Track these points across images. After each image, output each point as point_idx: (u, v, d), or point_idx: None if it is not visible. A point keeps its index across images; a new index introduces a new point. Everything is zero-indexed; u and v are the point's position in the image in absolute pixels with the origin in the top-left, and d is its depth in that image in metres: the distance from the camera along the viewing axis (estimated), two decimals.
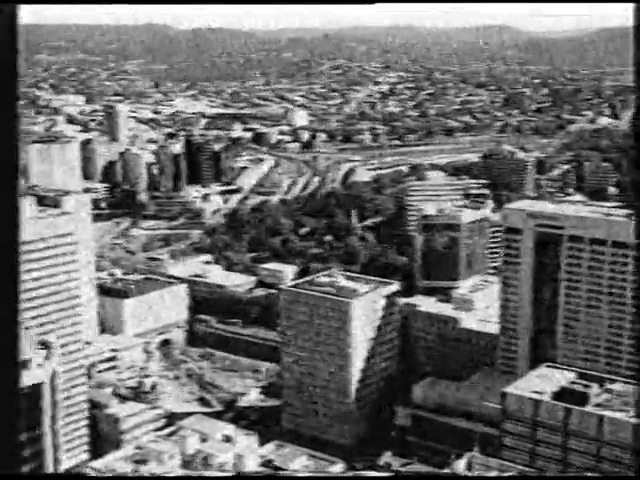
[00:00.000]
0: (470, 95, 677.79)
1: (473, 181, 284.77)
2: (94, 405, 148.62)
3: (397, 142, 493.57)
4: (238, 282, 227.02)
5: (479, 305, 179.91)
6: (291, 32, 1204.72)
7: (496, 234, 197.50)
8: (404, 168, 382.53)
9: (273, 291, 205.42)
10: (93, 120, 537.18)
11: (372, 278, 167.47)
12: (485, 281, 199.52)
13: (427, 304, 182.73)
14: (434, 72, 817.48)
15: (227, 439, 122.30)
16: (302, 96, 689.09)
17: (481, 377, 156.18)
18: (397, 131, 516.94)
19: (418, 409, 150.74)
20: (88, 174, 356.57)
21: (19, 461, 57.12)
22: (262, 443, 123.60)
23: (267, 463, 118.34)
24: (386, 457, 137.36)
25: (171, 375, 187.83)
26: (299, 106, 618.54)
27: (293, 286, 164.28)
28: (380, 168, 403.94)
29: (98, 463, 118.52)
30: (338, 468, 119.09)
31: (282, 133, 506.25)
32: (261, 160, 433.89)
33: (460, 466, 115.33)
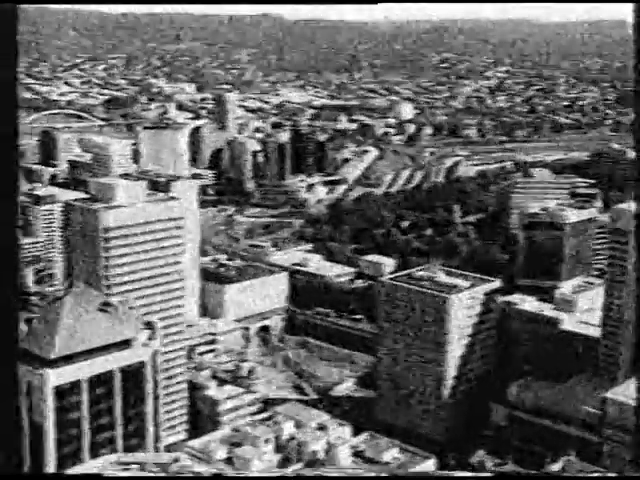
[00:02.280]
0: (582, 92, 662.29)
1: (581, 180, 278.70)
2: (193, 386, 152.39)
3: (504, 138, 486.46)
4: (338, 272, 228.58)
5: (581, 307, 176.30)
6: (399, 24, 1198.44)
7: (603, 235, 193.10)
8: (510, 164, 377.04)
9: (372, 283, 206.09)
10: (203, 108, 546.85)
11: (472, 274, 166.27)
12: (588, 283, 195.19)
13: (527, 303, 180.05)
14: (545, 67, 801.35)
15: (321, 427, 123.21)
16: (409, 89, 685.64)
17: (580, 381, 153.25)
18: (504, 127, 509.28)
19: (514, 409, 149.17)
20: (196, 160, 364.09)
21: (19, 461, 57.68)
22: (355, 433, 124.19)
23: (359, 454, 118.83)
24: (479, 455, 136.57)
25: (268, 361, 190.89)
26: (405, 99, 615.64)
27: (392, 279, 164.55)
28: (485, 164, 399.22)
29: (195, 443, 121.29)
30: (430, 463, 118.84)
31: (387, 126, 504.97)
32: (365, 152, 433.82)
33: (555, 470, 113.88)
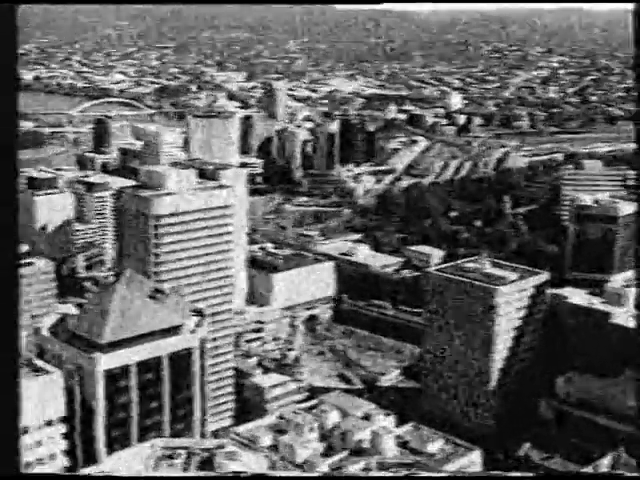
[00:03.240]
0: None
1: (633, 172, 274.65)
2: (239, 373, 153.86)
3: (555, 129, 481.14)
4: (385, 262, 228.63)
5: (632, 301, 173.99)
6: (450, 14, 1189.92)
7: None
8: (561, 156, 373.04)
9: (419, 273, 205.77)
10: (252, 97, 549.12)
11: (521, 266, 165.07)
12: None
13: (576, 296, 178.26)
14: (599, 57, 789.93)
15: (366, 417, 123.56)
16: (460, 79, 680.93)
17: (629, 376, 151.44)
18: (556, 117, 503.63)
19: (562, 403, 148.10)
20: (245, 149, 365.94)
21: (19, 461, 57.80)
22: (399, 424, 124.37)
23: (403, 444, 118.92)
24: (526, 449, 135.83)
25: (314, 350, 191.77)
26: (456, 89, 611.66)
27: (439, 270, 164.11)
28: (536, 155, 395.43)
29: (241, 429, 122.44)
30: (475, 455, 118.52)
31: (437, 116, 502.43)
32: (414, 142, 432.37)
33: (603, 465, 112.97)
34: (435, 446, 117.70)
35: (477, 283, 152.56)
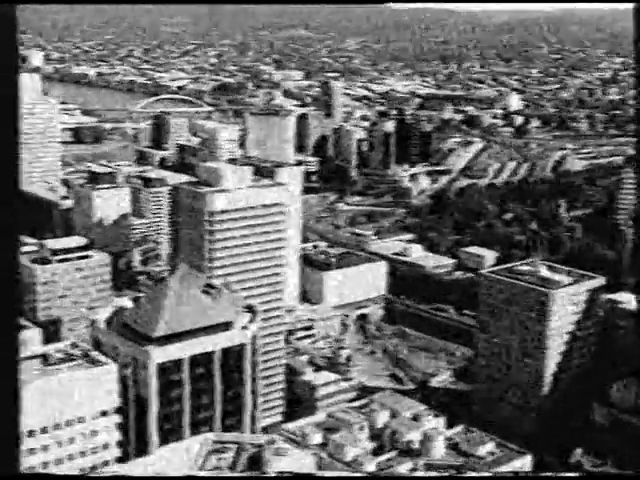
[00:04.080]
0: None
1: None
2: (290, 370, 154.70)
3: (615, 132, 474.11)
4: (438, 263, 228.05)
5: None
6: (509, 13, 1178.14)
7: None
8: (620, 159, 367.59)
9: (473, 275, 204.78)
10: (309, 95, 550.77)
11: (576, 270, 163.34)
12: None
13: (633, 302, 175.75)
14: None
15: (416, 418, 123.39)
16: (518, 80, 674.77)
17: None
18: (616, 120, 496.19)
19: (615, 409, 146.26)
20: (301, 147, 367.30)
21: (18, 461, 57.81)
22: (450, 426, 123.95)
23: (453, 446, 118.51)
24: (578, 455, 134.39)
25: (366, 349, 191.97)
26: (514, 90, 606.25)
27: (493, 272, 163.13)
28: (595, 157, 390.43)
29: (291, 426, 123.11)
30: (526, 460, 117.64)
31: (495, 117, 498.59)
32: (471, 143, 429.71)
33: None
34: (485, 449, 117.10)
35: (531, 286, 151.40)
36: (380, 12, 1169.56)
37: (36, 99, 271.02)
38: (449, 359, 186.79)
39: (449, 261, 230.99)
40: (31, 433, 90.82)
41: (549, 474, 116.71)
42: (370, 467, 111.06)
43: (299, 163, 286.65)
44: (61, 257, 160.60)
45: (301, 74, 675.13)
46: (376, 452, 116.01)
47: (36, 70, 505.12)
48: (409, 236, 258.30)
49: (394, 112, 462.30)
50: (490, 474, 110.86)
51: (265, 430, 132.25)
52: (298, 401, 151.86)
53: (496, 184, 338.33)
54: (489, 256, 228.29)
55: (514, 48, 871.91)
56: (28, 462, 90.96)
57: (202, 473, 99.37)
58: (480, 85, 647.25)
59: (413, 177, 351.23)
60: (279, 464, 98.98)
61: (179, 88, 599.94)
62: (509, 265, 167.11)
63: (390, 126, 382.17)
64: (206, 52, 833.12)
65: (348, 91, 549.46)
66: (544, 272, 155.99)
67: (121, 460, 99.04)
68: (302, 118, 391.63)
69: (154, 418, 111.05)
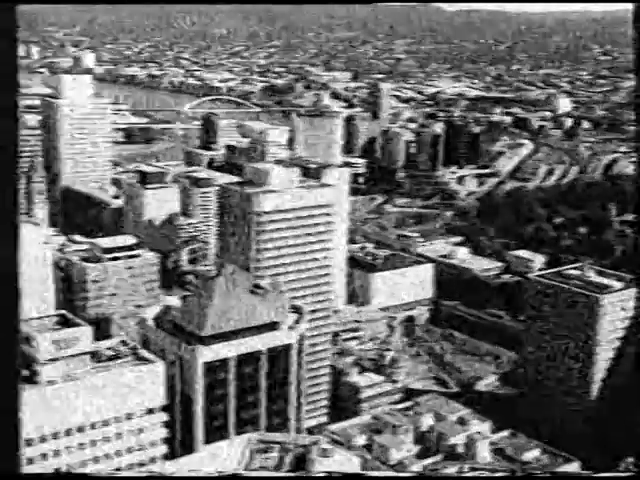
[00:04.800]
0: None
1: None
2: (336, 372, 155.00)
3: None
4: (486, 266, 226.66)
5: None
6: (558, 15, 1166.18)
7: None
8: None
9: (520, 279, 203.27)
10: (356, 97, 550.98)
11: (626, 275, 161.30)
12: None
13: None
14: None
15: (461, 421, 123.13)
16: (569, 82, 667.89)
17: None
18: None
19: None
20: (349, 149, 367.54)
21: (19, 461, 57.52)
22: (495, 430, 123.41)
23: (498, 451, 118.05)
24: (627, 463, 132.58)
25: (411, 352, 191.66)
26: (564, 92, 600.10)
27: (541, 276, 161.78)
28: None
29: (335, 427, 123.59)
30: (573, 466, 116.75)
31: (544, 119, 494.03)
32: (519, 145, 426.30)
33: None
34: (531, 455, 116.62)
35: (580, 291, 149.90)
36: (429, 13, 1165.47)
37: (88, 100, 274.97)
38: (495, 363, 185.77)
39: (496, 264, 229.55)
40: (80, 429, 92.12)
41: (550, 474, 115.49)
42: (416, 469, 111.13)
43: (346, 164, 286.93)
44: (111, 256, 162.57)
45: (349, 76, 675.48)
46: (420, 455, 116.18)
47: (88, 71, 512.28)
48: (456, 239, 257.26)
49: (442, 114, 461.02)
50: (490, 474, 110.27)
51: (310, 431, 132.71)
52: (343, 402, 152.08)
53: (545, 187, 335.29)
54: (537, 260, 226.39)
55: (564, 50, 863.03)
56: (78, 457, 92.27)
57: (246, 473, 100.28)
58: (529, 87, 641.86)
59: (461, 179, 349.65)
60: (324, 465, 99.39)
61: (228, 89, 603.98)
62: (558, 269, 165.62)
63: (438, 128, 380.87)
64: (255, 53, 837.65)
65: (396, 93, 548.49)
66: (593, 277, 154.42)
67: (167, 457, 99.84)
68: (350, 120, 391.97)
69: (200, 416, 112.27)
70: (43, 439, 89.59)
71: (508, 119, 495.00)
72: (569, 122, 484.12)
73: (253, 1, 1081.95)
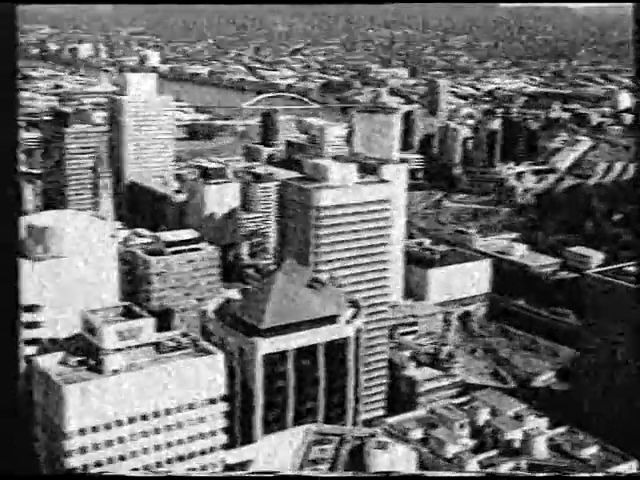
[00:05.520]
0: None
1: None
2: (392, 365, 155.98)
3: None
4: (543, 262, 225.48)
5: None
6: (614, 9, 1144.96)
7: None
8: None
9: (578, 275, 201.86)
10: (414, 93, 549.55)
11: None
12: None
13: None
14: None
15: (517, 417, 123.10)
16: (630, 77, 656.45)
17: None
18: None
19: None
20: (407, 145, 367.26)
21: (16, 461, 57.12)
22: (552, 426, 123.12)
23: (556, 447, 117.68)
24: None
25: (468, 347, 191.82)
26: (624, 88, 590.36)
27: (600, 272, 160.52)
28: None
29: (392, 420, 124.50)
30: (632, 464, 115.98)
31: (603, 115, 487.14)
32: (578, 141, 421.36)
33: None
34: (589, 452, 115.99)
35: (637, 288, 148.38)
36: (488, 9, 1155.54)
37: (152, 98, 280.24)
38: (553, 359, 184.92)
39: (554, 260, 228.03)
40: (144, 417, 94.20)
41: (550, 474, 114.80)
42: (471, 465, 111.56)
43: (404, 160, 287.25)
44: (174, 249, 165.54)
45: (407, 72, 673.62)
46: (477, 450, 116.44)
47: (153, 70, 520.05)
48: (514, 234, 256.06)
49: (500, 110, 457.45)
50: (489, 474, 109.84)
51: (366, 423, 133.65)
52: (399, 396, 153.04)
53: (604, 183, 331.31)
54: (596, 256, 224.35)
55: (625, 45, 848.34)
56: (141, 445, 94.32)
57: (303, 464, 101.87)
58: (589, 83, 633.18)
59: (519, 175, 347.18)
60: (380, 458, 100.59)
61: (288, 86, 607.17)
62: (617, 266, 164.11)
63: (496, 124, 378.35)
64: (315, 51, 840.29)
65: (454, 89, 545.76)
66: None
67: (227, 447, 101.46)
68: (408, 116, 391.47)
69: (259, 407, 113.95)
70: (107, 426, 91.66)
71: (567, 115, 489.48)
72: (629, 118, 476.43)
73: (254, 1, 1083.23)
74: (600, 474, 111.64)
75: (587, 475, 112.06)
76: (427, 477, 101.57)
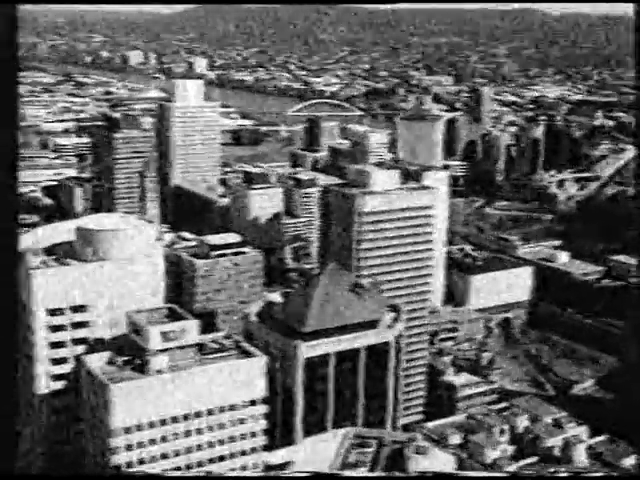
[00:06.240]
0: None
1: None
2: (432, 371, 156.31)
3: None
4: (586, 270, 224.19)
5: None
6: None
7: None
8: None
9: (621, 283, 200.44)
10: (458, 100, 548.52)
11: None
12: None
13: None
14: None
15: (557, 424, 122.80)
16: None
17: None
18: None
19: None
20: (449, 152, 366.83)
21: (16, 461, 56.29)
22: (592, 435, 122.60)
23: (596, 456, 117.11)
24: None
25: (508, 353, 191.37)
26: None
27: None
28: None
29: (431, 425, 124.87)
30: None
31: None
32: (622, 150, 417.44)
33: None
34: (630, 461, 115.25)
35: None
36: (531, 17, 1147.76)
37: (199, 104, 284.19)
38: (594, 367, 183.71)
39: (597, 268, 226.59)
40: (186, 417, 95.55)
41: (551, 474, 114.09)
42: (511, 470, 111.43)
43: (446, 167, 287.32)
44: (219, 252, 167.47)
45: (451, 80, 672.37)
46: (516, 456, 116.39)
47: (200, 76, 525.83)
48: (556, 242, 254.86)
49: (543, 118, 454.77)
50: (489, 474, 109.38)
51: (405, 428, 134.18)
52: (439, 401, 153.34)
53: None
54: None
55: None
56: (183, 444, 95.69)
57: (342, 466, 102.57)
58: (632, 91, 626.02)
59: (560, 183, 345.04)
60: (420, 462, 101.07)
61: (332, 93, 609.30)
62: None
63: (539, 132, 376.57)
64: (359, 59, 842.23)
65: (497, 97, 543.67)
66: None
67: (267, 448, 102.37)
68: (451, 123, 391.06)
69: (299, 410, 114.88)
70: (151, 425, 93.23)
71: (610, 123, 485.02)
72: None
73: (255, 1, 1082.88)
74: (600, 474, 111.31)
75: (588, 475, 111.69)
76: (425, 477, 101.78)
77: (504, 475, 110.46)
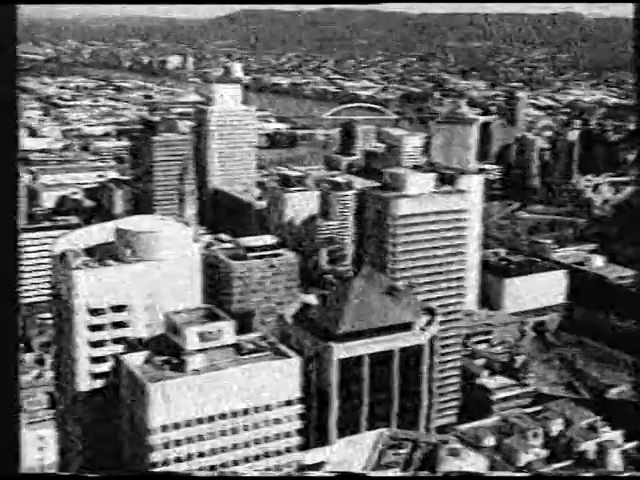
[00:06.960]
0: None
1: None
2: (466, 373, 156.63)
3: None
4: (621, 274, 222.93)
5: None
6: None
7: None
8: None
9: None
10: (493, 104, 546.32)
11: None
12: None
13: None
14: None
15: (591, 428, 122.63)
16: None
17: None
18: None
19: None
20: (484, 155, 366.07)
21: (18, 461, 57.53)
22: (627, 439, 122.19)
23: (631, 461, 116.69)
24: None
25: (543, 357, 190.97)
26: None
27: None
28: None
29: (465, 427, 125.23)
30: None
31: None
32: None
33: None
34: None
35: None
36: (566, 20, 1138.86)
37: (236, 107, 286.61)
38: (629, 371, 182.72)
39: (632, 272, 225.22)
40: (223, 416, 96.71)
41: (551, 475, 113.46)
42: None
43: (481, 171, 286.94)
44: (255, 254, 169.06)
45: (486, 84, 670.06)
46: (549, 459, 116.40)
47: (237, 81, 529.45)
48: (591, 246, 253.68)
49: (579, 122, 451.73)
50: (488, 475, 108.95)
51: (439, 430, 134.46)
52: (472, 403, 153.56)
53: None
54: None
55: None
56: (219, 443, 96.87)
57: (376, 467, 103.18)
58: None
59: (596, 187, 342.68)
60: (453, 464, 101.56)
61: (368, 97, 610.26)
62: None
63: (574, 136, 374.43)
64: (394, 62, 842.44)
65: (532, 101, 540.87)
66: None
67: (302, 448, 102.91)
68: (485, 127, 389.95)
69: (334, 410, 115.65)
70: (188, 424, 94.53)
71: None
72: None
73: (256, 1, 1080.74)
74: (600, 474, 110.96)
75: (588, 475, 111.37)
76: (425, 477, 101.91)
77: (505, 476, 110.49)
